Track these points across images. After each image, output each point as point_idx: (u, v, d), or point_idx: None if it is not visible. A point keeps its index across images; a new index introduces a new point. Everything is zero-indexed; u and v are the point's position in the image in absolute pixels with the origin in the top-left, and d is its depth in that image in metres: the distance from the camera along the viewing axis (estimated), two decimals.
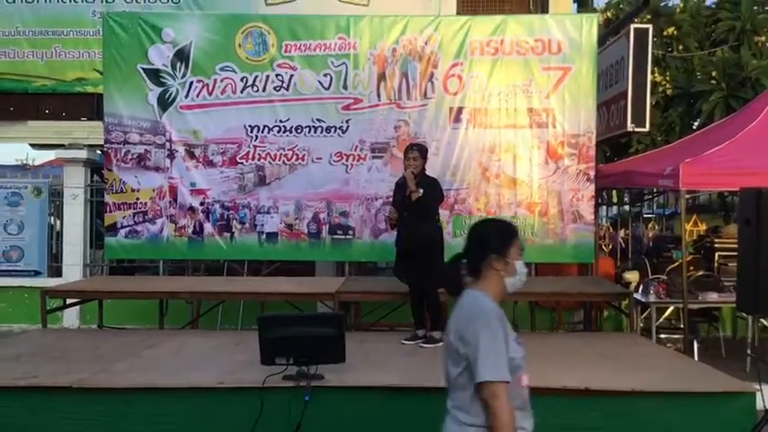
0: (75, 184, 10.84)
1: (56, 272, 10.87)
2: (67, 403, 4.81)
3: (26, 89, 11.10)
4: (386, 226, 7.87)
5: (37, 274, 10.79)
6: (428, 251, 6.18)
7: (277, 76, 8.42)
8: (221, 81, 8.44)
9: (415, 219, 6.21)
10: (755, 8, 11.36)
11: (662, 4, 11.24)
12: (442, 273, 6.38)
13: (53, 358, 5.69)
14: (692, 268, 8.30)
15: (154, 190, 8.52)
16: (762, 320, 8.13)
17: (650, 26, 8.68)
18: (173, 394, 4.82)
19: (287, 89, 8.43)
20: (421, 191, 6.10)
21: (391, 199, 6.85)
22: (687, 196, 7.96)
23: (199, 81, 8.46)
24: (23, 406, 4.82)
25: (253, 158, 8.46)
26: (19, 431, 4.78)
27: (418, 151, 6.31)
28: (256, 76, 8.42)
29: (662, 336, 8.06)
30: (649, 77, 8.40)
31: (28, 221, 10.86)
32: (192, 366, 5.42)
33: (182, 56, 8.45)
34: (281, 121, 8.43)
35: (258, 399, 4.62)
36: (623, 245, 11.27)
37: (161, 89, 8.47)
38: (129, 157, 8.52)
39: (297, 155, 8.43)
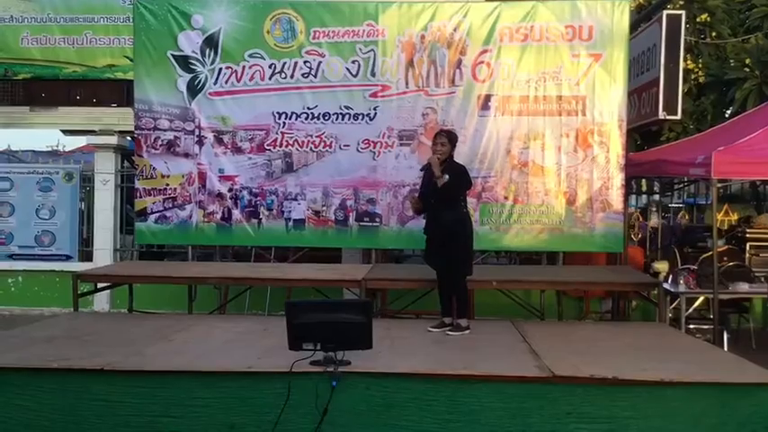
0: (105, 170, 10.97)
1: (86, 256, 11.01)
2: (99, 385, 4.87)
3: (57, 75, 11.22)
4: (412, 213, 7.85)
5: (68, 258, 10.95)
6: (455, 238, 6.16)
7: (305, 62, 8.43)
8: (250, 68, 8.48)
9: (441, 205, 6.19)
10: None
11: None
12: (467, 261, 6.42)
13: (85, 341, 5.77)
14: (725, 258, 8.19)
15: (183, 176, 8.60)
16: None
17: (683, 12, 8.58)
18: (202, 378, 4.87)
19: (315, 76, 8.44)
20: (446, 176, 6.04)
21: (418, 186, 6.83)
22: (719, 185, 7.84)
23: (228, 68, 8.49)
24: (55, 388, 4.89)
25: (280, 145, 8.49)
26: (52, 412, 4.86)
27: (447, 137, 6.26)
28: (285, 63, 8.44)
29: (691, 326, 7.97)
30: (681, 65, 8.29)
31: (59, 206, 11.01)
32: (220, 351, 5.47)
33: (211, 42, 8.49)
34: (308, 108, 8.45)
35: (286, 383, 4.66)
36: (652, 234, 11.15)
37: (190, 76, 8.53)
38: (159, 143, 8.59)
39: (324, 142, 8.44)
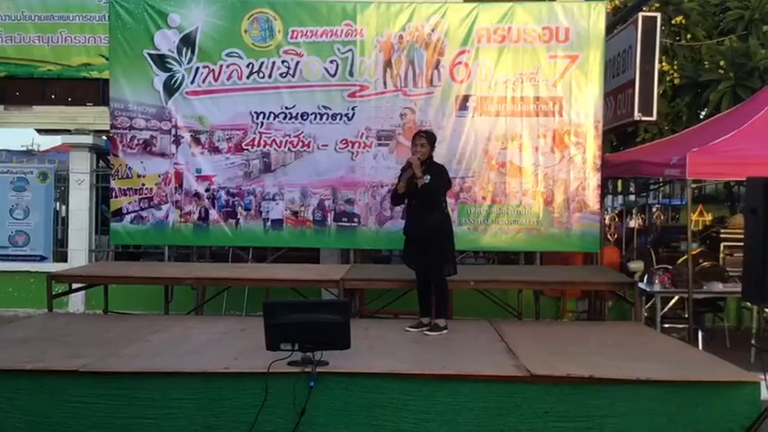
0: (80, 170, 10.85)
1: (61, 257, 10.89)
2: (74, 387, 4.83)
3: (32, 74, 11.08)
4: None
5: (42, 259, 10.82)
6: (436, 239, 6.17)
7: (283, 62, 8.40)
8: (227, 67, 8.44)
9: (422, 206, 6.19)
10: None
11: None
12: (450, 261, 6.42)
13: (60, 342, 5.72)
14: (700, 261, 8.28)
15: (159, 176, 8.53)
16: (767, 311, 8.11)
17: (658, 15, 8.63)
18: (179, 379, 4.84)
19: (293, 76, 8.42)
20: (427, 177, 6.05)
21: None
22: (693, 186, 7.92)
23: (205, 67, 8.45)
24: (30, 389, 4.85)
25: (258, 145, 8.46)
26: (25, 414, 4.82)
27: (426, 138, 6.27)
28: (262, 63, 8.41)
29: (666, 325, 8.04)
30: (657, 66, 8.37)
31: (34, 206, 10.87)
32: (197, 351, 5.44)
33: (188, 41, 8.44)
34: (286, 108, 8.43)
35: (263, 384, 4.64)
36: (629, 235, 11.26)
37: (167, 75, 8.47)
38: (135, 142, 8.53)
39: (302, 142, 8.42)
